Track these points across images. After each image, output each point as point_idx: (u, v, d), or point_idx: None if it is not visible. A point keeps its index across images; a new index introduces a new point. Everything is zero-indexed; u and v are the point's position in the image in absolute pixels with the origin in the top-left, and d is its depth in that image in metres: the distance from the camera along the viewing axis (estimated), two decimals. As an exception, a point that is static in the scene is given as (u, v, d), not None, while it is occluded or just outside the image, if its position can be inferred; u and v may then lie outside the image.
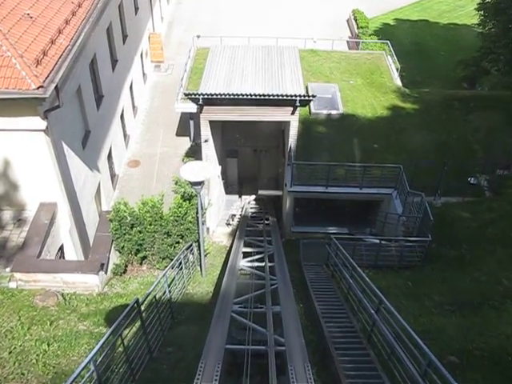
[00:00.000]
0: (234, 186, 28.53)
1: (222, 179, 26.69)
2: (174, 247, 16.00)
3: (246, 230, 18.69)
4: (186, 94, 17.14)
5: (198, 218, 14.68)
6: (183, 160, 23.91)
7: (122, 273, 15.83)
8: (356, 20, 36.41)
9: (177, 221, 15.62)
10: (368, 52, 28.12)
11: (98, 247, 15.42)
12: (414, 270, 15.44)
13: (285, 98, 17.08)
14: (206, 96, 17.04)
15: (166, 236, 15.77)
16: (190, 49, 26.69)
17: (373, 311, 9.07)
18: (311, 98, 17.14)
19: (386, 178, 18.67)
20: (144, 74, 29.97)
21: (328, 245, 16.06)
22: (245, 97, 16.99)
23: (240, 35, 27.36)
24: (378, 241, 16.33)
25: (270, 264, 13.14)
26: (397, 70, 25.99)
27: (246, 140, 26.09)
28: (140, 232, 15.52)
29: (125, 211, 15.56)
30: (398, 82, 25.46)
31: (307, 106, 22.64)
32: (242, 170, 27.97)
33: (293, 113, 18.01)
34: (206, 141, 22.22)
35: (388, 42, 27.59)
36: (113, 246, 15.72)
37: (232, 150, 27.14)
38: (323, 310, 11.13)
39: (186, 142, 25.89)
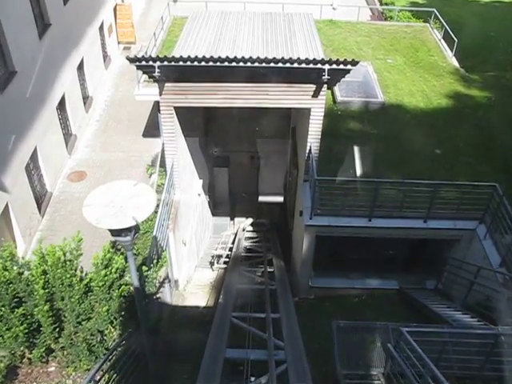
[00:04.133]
0: (225, 205, 21.26)
1: (207, 197, 19.46)
2: (103, 337, 8.58)
3: (236, 289, 11.29)
4: (130, 60, 9.73)
5: (137, 293, 7.28)
6: (148, 170, 16.56)
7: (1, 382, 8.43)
8: (378, -4, 29.27)
9: (103, 292, 8.20)
10: (407, 24, 20.82)
11: None
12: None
13: (304, 66, 9.75)
14: (166, 62, 9.69)
15: (83, 318, 8.36)
16: (163, 17, 19.37)
17: None
18: (350, 66, 9.78)
19: (465, 202, 11.30)
20: (106, 56, 22.64)
21: (386, 332, 8.68)
22: (235, 64, 9.67)
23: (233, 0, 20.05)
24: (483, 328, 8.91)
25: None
26: (451, 49, 18.59)
27: (241, 142, 18.87)
28: (31, 315, 8.10)
29: (5, 271, 8.16)
30: (455, 62, 18.16)
31: (329, 92, 15.36)
32: (235, 184, 20.92)
33: (315, 94, 10.68)
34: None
35: (435, 9, 20.24)
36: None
37: (221, 157, 19.93)
38: None
39: (155, 145, 18.51)
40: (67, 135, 17.64)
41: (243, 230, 19.09)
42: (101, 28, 21.67)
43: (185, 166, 13.46)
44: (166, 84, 10.68)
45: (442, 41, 19.24)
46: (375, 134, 13.95)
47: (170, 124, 11.31)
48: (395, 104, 15.30)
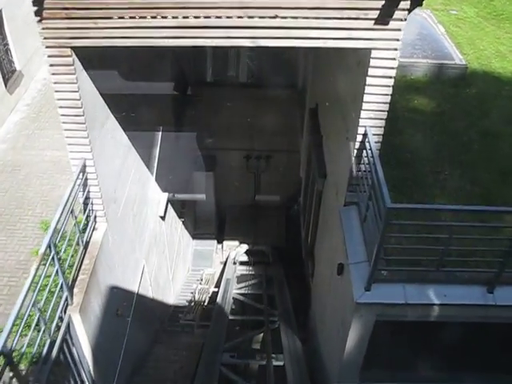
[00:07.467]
0: (209, 224, 15.43)
1: (184, 212, 13.83)
2: None
3: None
4: None
5: None
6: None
7: None
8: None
9: None
10: (467, -32, 14.95)
11: None
12: None
13: None
14: None
15: None
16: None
17: None
18: None
19: None
20: (50, 20, 16.65)
21: None
22: None
23: None
24: None
25: None
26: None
27: (231, 135, 13.03)
28: None
29: None
30: (551, 15, 12.29)
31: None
32: (225, 194, 15.12)
33: (384, 17, 4.69)
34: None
35: None
36: None
37: (205, 157, 14.03)
38: None
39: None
40: (-33, 124, 11.72)
41: (234, 263, 13.19)
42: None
43: (120, 172, 7.52)
44: (48, -7, 4.73)
45: (523, -11, 13.35)
46: (460, 118, 8.01)
47: (69, 86, 5.34)
48: (481, 70, 9.39)
